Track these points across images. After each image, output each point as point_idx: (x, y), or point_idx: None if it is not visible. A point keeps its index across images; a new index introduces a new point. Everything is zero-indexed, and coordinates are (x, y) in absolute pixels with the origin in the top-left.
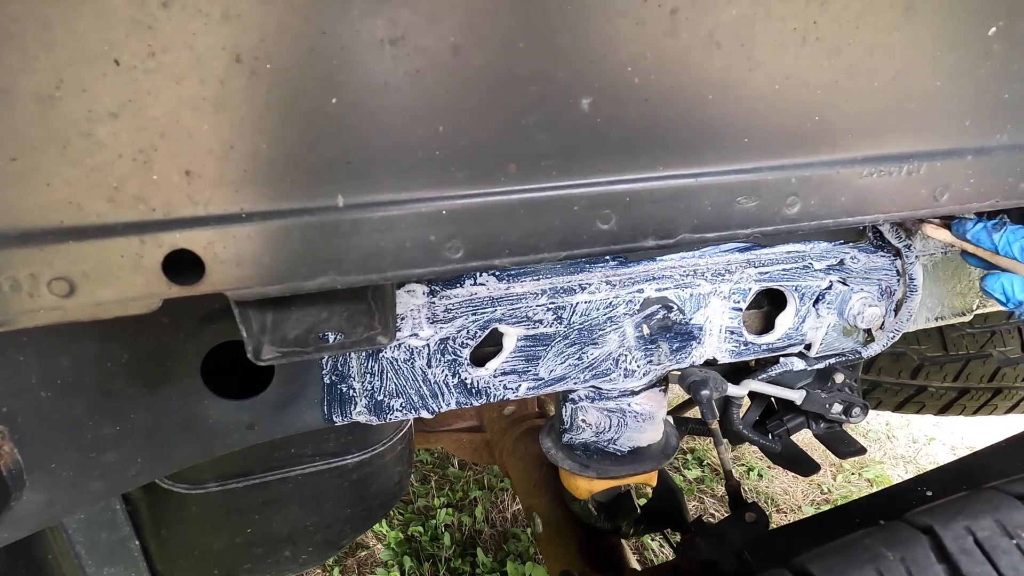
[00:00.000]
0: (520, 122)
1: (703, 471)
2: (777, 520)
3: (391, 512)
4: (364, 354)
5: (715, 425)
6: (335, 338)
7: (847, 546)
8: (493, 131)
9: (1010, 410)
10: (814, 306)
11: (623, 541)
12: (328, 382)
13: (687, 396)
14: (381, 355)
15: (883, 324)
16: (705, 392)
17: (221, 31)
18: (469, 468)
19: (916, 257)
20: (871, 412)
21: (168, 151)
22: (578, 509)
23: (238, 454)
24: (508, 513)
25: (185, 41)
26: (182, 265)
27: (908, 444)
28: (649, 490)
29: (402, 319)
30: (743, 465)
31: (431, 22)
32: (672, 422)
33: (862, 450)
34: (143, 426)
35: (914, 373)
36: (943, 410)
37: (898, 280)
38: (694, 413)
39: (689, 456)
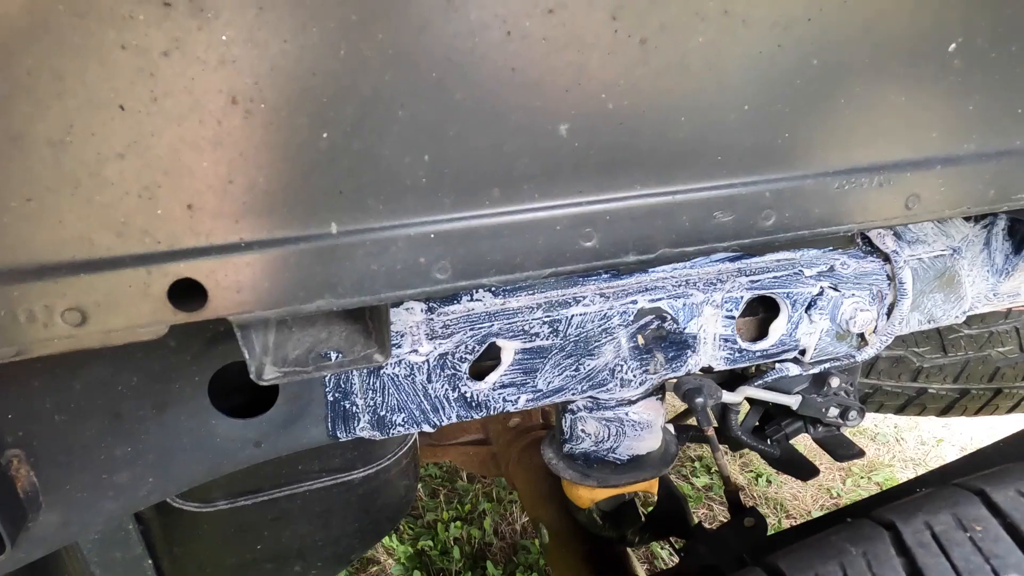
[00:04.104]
0: (502, 149)
1: (711, 478)
2: (788, 526)
3: (400, 526)
4: (365, 371)
5: (711, 432)
6: (334, 357)
7: (815, 543)
8: (476, 158)
9: (1011, 410)
10: (806, 312)
11: (629, 550)
12: (331, 399)
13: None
14: (382, 372)
15: (876, 328)
16: (700, 399)
17: (217, 75)
18: (477, 481)
19: (905, 261)
20: (879, 415)
21: (171, 187)
22: (583, 519)
23: (247, 471)
24: (517, 525)
25: (184, 86)
26: (186, 293)
27: (917, 446)
28: (655, 498)
29: (401, 336)
30: (751, 471)
31: (412, 59)
32: (672, 430)
33: (860, 453)
34: (154, 446)
35: (914, 376)
36: (944, 411)
37: (889, 284)
38: (694, 421)
39: (697, 464)
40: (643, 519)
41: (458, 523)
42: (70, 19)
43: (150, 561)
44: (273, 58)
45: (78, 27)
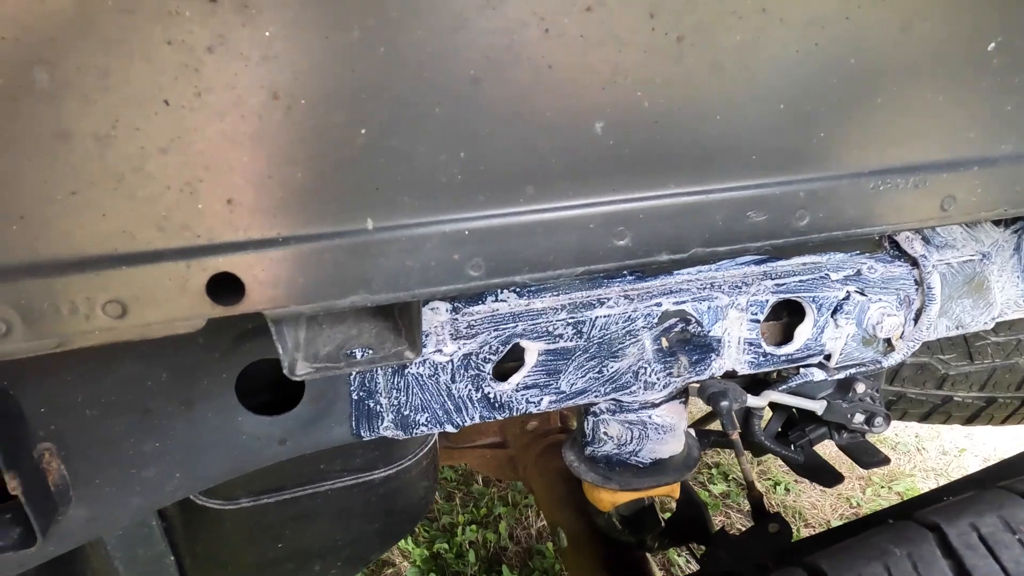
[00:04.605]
0: (536, 146)
1: (728, 485)
2: (807, 535)
3: (416, 529)
4: (390, 370)
5: (736, 436)
6: (364, 354)
7: (857, 544)
8: (511, 155)
9: None
10: (832, 316)
11: (648, 555)
12: (356, 398)
13: (709, 409)
14: (407, 371)
15: (903, 333)
16: (725, 403)
17: (260, 71)
18: (493, 485)
19: (933, 266)
20: (900, 424)
21: (212, 182)
22: (602, 523)
23: (270, 470)
24: (533, 530)
25: (227, 81)
26: (224, 287)
27: (939, 456)
28: (674, 503)
29: (426, 336)
30: (769, 480)
31: (450, 56)
32: (694, 434)
33: (886, 460)
34: (181, 442)
35: (939, 383)
36: (970, 420)
37: (916, 289)
38: (716, 426)
39: (714, 471)
40: (663, 524)
41: (473, 527)
42: (117, 15)
43: (172, 559)
44: (314, 54)
45: (125, 23)
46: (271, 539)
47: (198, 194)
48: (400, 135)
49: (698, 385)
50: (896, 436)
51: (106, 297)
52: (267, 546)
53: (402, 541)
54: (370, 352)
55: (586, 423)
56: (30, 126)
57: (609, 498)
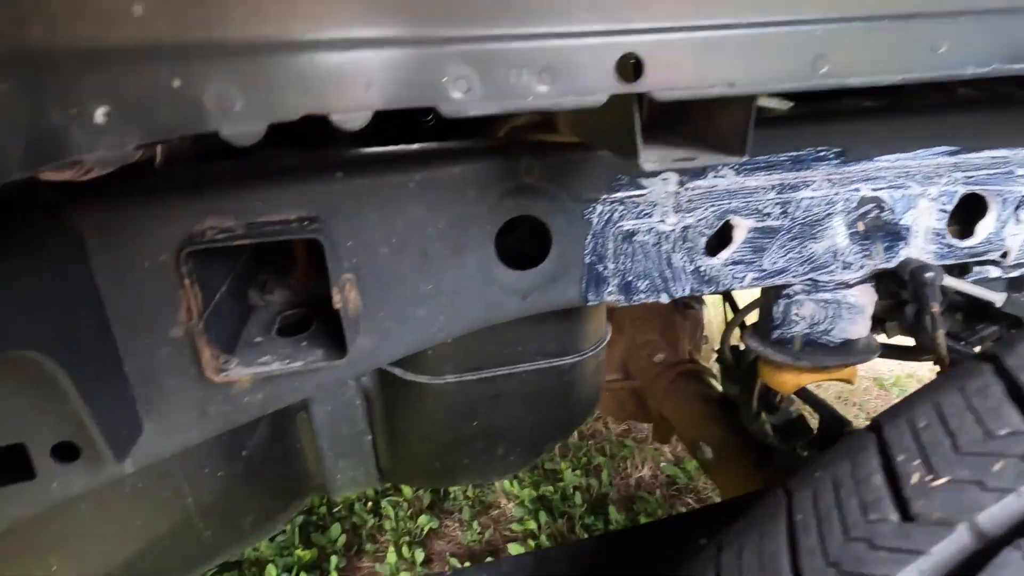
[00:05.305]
0: None
1: None
2: None
3: (520, 474)
4: (620, 237)
5: (936, 309)
6: (695, 159)
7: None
8: None
9: None
10: (1015, 211)
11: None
12: (588, 261)
13: None
14: (634, 238)
15: None
16: (931, 274)
17: None
18: (590, 437)
19: None
20: None
21: None
22: (756, 429)
23: (473, 349)
24: (632, 480)
25: None
26: (627, 67)
27: None
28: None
29: (653, 206)
30: None
31: None
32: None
33: None
34: (448, 287)
35: None
36: None
37: None
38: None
39: None
40: (813, 432)
41: (577, 471)
42: None
43: (370, 437)
44: None
45: None
46: (466, 417)
47: None
48: None
49: (892, 267)
50: None
51: (539, 66)
52: (463, 423)
53: (506, 483)
54: (709, 154)
55: (776, 307)
56: None
57: (794, 380)
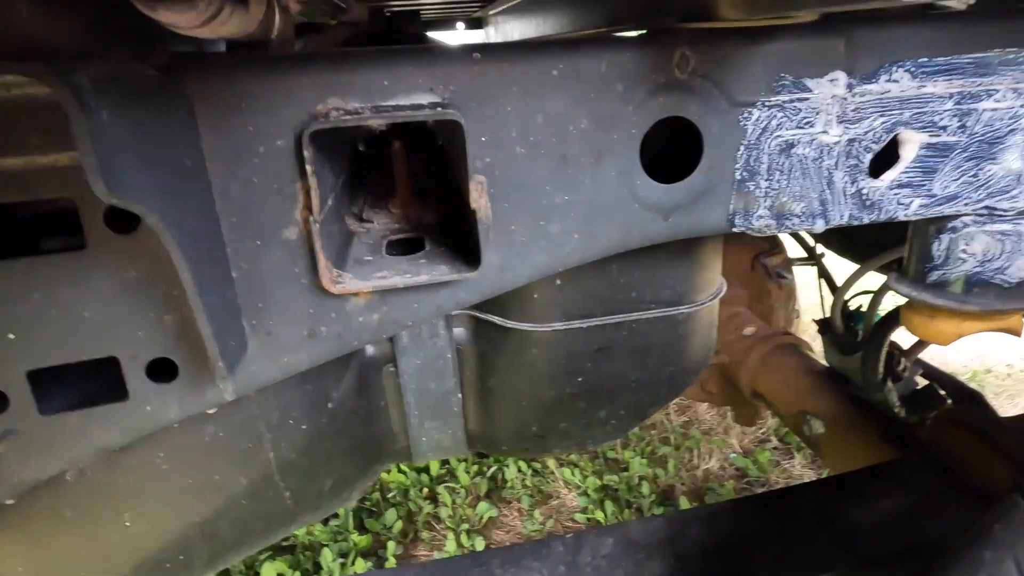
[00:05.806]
0: None
1: None
2: None
3: (579, 462)
4: (777, 149)
5: None
6: None
7: None
8: None
9: None
10: None
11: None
12: (739, 177)
13: None
14: (792, 151)
15: None
16: None
17: None
18: (652, 427)
19: None
20: None
21: None
22: (880, 398)
23: (583, 293)
24: (699, 472)
25: None
26: None
27: None
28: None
29: (816, 113)
30: None
31: None
32: None
33: None
34: (585, 199)
35: None
36: None
37: None
38: None
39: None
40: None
41: (644, 460)
42: None
43: (459, 396)
44: None
45: None
46: (572, 372)
47: None
48: None
49: None
50: None
51: None
52: (567, 379)
53: (567, 471)
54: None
55: (936, 243)
56: None
57: (954, 329)
